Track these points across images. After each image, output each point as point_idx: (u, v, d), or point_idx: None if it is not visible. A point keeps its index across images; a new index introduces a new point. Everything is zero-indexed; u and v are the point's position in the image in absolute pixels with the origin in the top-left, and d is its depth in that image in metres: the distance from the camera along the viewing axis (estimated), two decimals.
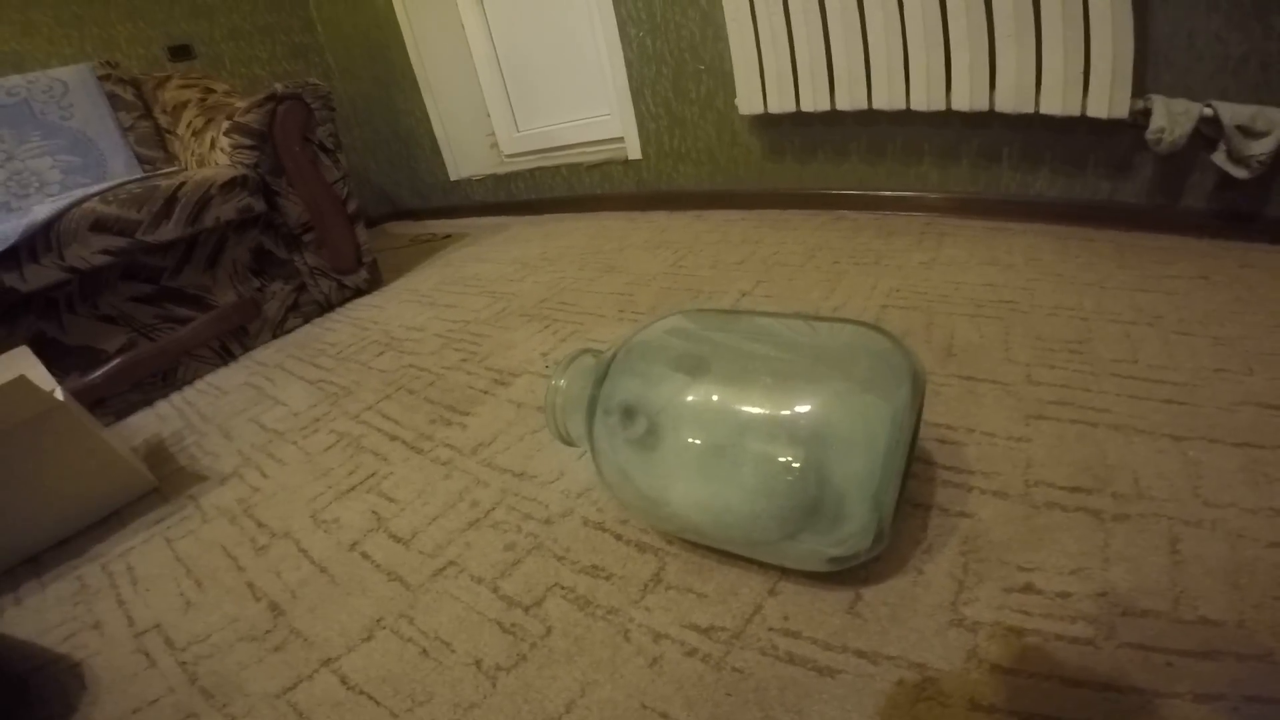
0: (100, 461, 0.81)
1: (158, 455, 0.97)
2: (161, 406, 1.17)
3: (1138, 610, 0.42)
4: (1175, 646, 0.40)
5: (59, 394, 0.77)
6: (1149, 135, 0.96)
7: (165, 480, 0.89)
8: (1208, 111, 0.92)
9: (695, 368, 0.51)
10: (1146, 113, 0.97)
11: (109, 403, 1.15)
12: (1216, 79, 0.94)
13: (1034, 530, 0.50)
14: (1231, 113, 0.90)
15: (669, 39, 1.52)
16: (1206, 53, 0.94)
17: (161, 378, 1.22)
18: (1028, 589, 0.45)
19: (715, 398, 0.49)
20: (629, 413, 0.51)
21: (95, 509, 0.82)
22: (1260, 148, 0.89)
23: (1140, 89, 0.99)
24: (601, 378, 0.54)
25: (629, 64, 1.62)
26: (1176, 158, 1.01)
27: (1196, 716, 0.36)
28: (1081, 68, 0.98)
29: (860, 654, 0.43)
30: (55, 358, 1.07)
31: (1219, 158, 0.94)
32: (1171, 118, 0.94)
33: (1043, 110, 1.04)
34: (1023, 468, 0.57)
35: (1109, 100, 0.98)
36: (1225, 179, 0.98)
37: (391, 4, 2.03)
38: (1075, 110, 1.01)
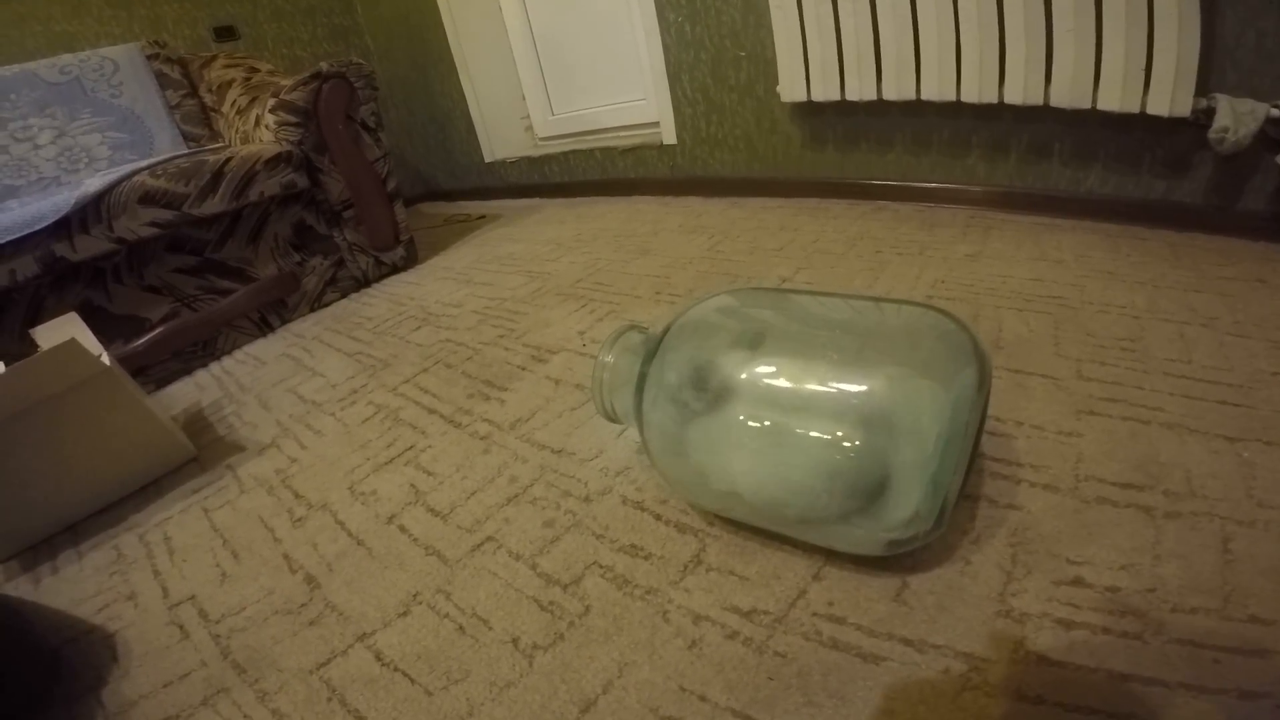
0: (143, 429, 0.82)
1: (196, 424, 0.98)
2: (201, 375, 1.19)
3: (1187, 607, 0.42)
4: (1223, 644, 0.39)
5: (106, 359, 0.78)
6: (1212, 134, 0.93)
7: (204, 450, 0.89)
8: (1275, 112, 0.89)
9: (754, 343, 0.50)
10: (1210, 111, 0.94)
11: (150, 370, 1.18)
12: None
13: (1084, 524, 0.49)
14: None
15: (709, 25, 1.50)
16: (1276, 52, 0.91)
17: (201, 347, 1.24)
18: (1077, 582, 0.45)
19: (775, 373, 0.48)
20: (700, 378, 0.50)
21: (136, 477, 0.83)
22: None
23: (1204, 88, 0.96)
24: (652, 354, 0.53)
25: (666, 49, 1.61)
26: (1238, 158, 0.97)
27: (1241, 713, 0.36)
28: (1143, 64, 0.95)
29: (906, 642, 0.43)
30: (101, 326, 1.10)
31: None
32: (1236, 117, 0.91)
33: (1100, 106, 1.01)
34: (1073, 462, 0.56)
35: (1170, 98, 0.94)
36: None
37: None
38: (1134, 108, 0.98)
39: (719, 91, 1.57)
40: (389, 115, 2.46)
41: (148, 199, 1.11)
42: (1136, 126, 1.04)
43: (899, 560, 0.48)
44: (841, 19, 1.22)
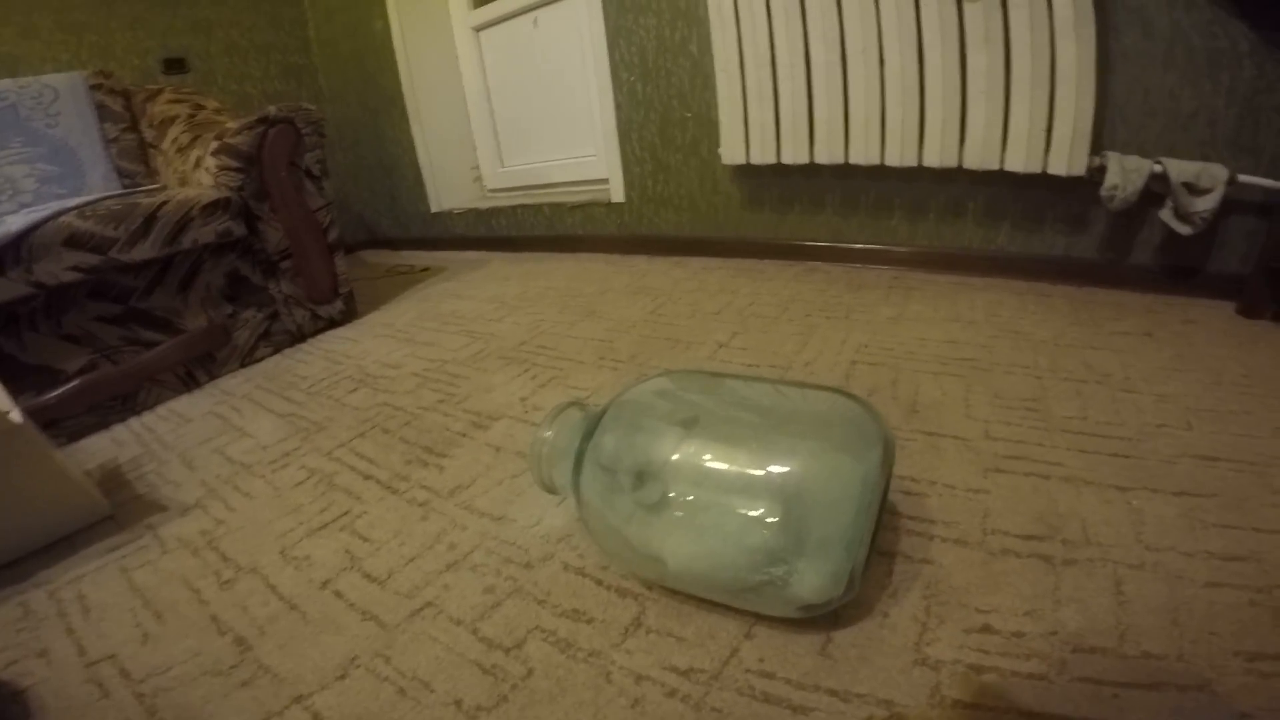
0: (51, 485, 0.77)
1: (113, 481, 0.93)
2: (119, 431, 1.13)
3: (1086, 647, 0.46)
4: (1121, 679, 0.43)
5: (16, 416, 0.74)
6: (1103, 192, 1.02)
7: (121, 508, 0.85)
8: (1157, 168, 0.98)
9: (686, 425, 0.54)
10: (1102, 169, 1.02)
11: (63, 424, 1.11)
12: (1166, 135, 1.01)
13: (991, 575, 0.53)
14: (1179, 169, 0.96)
15: (659, 85, 1.57)
16: (1160, 109, 1.01)
17: (121, 402, 1.18)
18: (985, 629, 0.48)
19: (704, 454, 0.52)
20: (641, 477, 0.53)
21: (42, 533, 0.78)
22: (1203, 204, 0.95)
23: (1097, 146, 1.05)
24: (590, 432, 0.56)
25: (619, 107, 1.67)
26: (1127, 214, 1.07)
27: None
28: (1045, 126, 1.04)
29: (832, 693, 0.45)
30: (11, 375, 1.04)
31: (1166, 214, 1.00)
32: (1125, 175, 0.99)
33: (1007, 167, 1.10)
34: (981, 517, 0.60)
35: (1068, 157, 1.03)
36: (1171, 235, 1.04)
37: (389, 31, 2.07)
38: (1037, 167, 1.07)
39: (666, 151, 1.63)
40: (336, 158, 2.45)
41: (73, 241, 1.06)
42: (1040, 185, 1.14)
43: (824, 617, 0.51)
44: (780, 84, 1.30)
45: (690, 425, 0.54)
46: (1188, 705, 0.41)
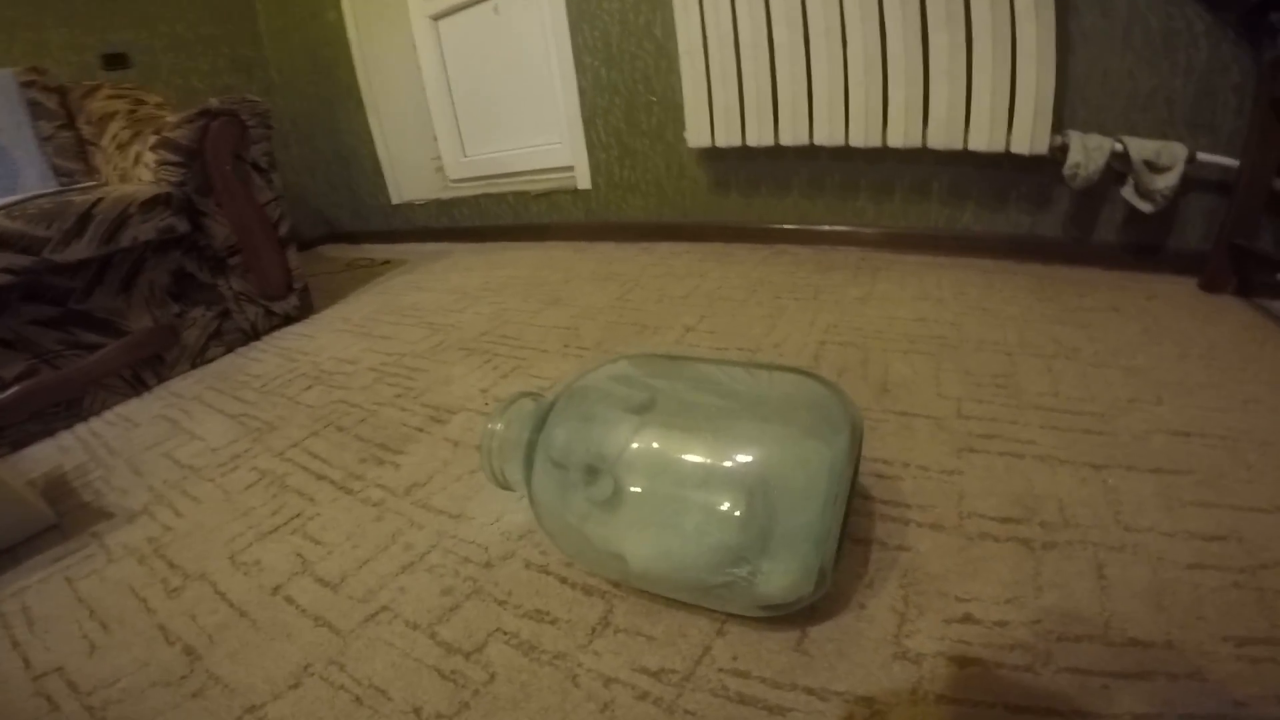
0: None
1: (58, 490, 0.89)
2: (64, 438, 1.08)
3: (1072, 635, 0.44)
4: (1110, 669, 0.42)
5: None
6: (1065, 170, 1.02)
7: (66, 516, 0.82)
8: (1118, 147, 0.99)
9: (641, 410, 0.51)
10: (1064, 149, 1.03)
11: (5, 433, 1.05)
12: (1127, 114, 1.02)
13: (969, 561, 0.52)
14: (1139, 148, 0.97)
15: (623, 70, 1.54)
16: (1119, 89, 1.02)
17: (65, 407, 1.12)
18: (967, 619, 0.46)
19: (662, 442, 0.49)
20: (593, 472, 0.50)
21: None
22: (1164, 182, 0.96)
23: (1059, 125, 1.06)
24: (541, 423, 0.53)
25: (582, 92, 1.64)
26: (1090, 192, 1.08)
27: None
28: (1007, 105, 1.05)
29: (809, 691, 0.43)
30: None
31: (1128, 192, 1.01)
32: (1086, 153, 1.00)
33: (971, 147, 1.10)
34: (956, 500, 0.59)
35: (1031, 136, 1.04)
36: (1133, 213, 1.05)
37: (343, 21, 2.00)
38: (1000, 146, 1.08)
39: (632, 136, 1.61)
40: (290, 152, 2.36)
41: (1, 243, 1.00)
42: (1003, 164, 1.14)
43: (798, 610, 0.48)
44: (744, 66, 1.28)
45: (645, 410, 0.50)
46: (1180, 695, 0.39)
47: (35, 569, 0.72)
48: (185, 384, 1.23)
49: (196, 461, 0.90)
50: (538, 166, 1.96)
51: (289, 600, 0.60)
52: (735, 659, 0.46)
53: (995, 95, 1.04)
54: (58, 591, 0.67)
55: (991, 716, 0.40)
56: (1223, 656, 0.41)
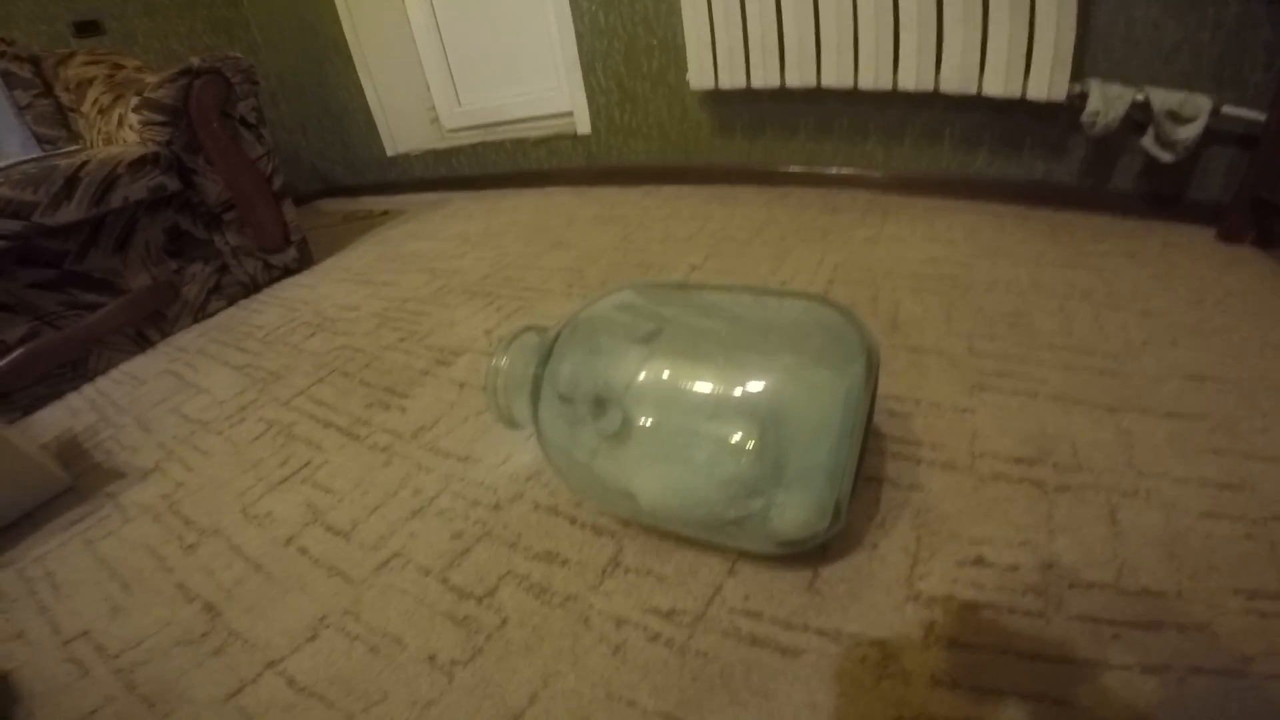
0: (7, 464, 0.74)
1: (70, 452, 0.89)
2: (72, 399, 1.08)
3: (1083, 582, 0.44)
4: (1121, 618, 0.41)
5: None
6: (1084, 118, 0.99)
7: (80, 478, 0.82)
8: (1140, 97, 0.96)
9: (648, 339, 0.49)
10: (1083, 96, 1.00)
11: (13, 397, 1.05)
12: (1150, 66, 0.98)
13: (982, 502, 0.51)
14: (1162, 98, 0.93)
15: (621, 12, 1.48)
16: (1143, 40, 0.97)
17: (71, 368, 1.12)
18: (979, 562, 0.46)
19: (671, 372, 0.47)
20: (600, 404, 0.48)
21: (3, 513, 0.75)
22: (1186, 133, 0.92)
23: (1078, 73, 1.02)
24: (546, 356, 0.51)
25: (580, 37, 1.58)
26: (1108, 141, 1.04)
27: (1146, 689, 0.37)
28: (1024, 51, 1.00)
29: (821, 632, 0.43)
30: None
31: (1148, 142, 0.98)
32: (1106, 101, 0.97)
33: (985, 92, 1.06)
34: (969, 439, 0.58)
35: (1049, 83, 1.00)
36: (1151, 163, 1.02)
37: None
38: (1016, 93, 1.03)
39: (632, 80, 1.56)
40: (279, 109, 2.30)
41: None
42: (1018, 111, 1.10)
43: (810, 550, 0.48)
44: (747, 6, 1.23)
45: (652, 339, 0.49)
46: (1190, 647, 0.39)
47: (54, 532, 0.72)
48: (188, 338, 1.23)
49: (204, 415, 0.90)
50: (536, 113, 1.90)
51: (302, 551, 0.60)
52: (747, 598, 0.47)
53: (1012, 41, 1.00)
54: (78, 554, 0.68)
55: (1003, 663, 0.40)
56: (1232, 609, 0.41)
